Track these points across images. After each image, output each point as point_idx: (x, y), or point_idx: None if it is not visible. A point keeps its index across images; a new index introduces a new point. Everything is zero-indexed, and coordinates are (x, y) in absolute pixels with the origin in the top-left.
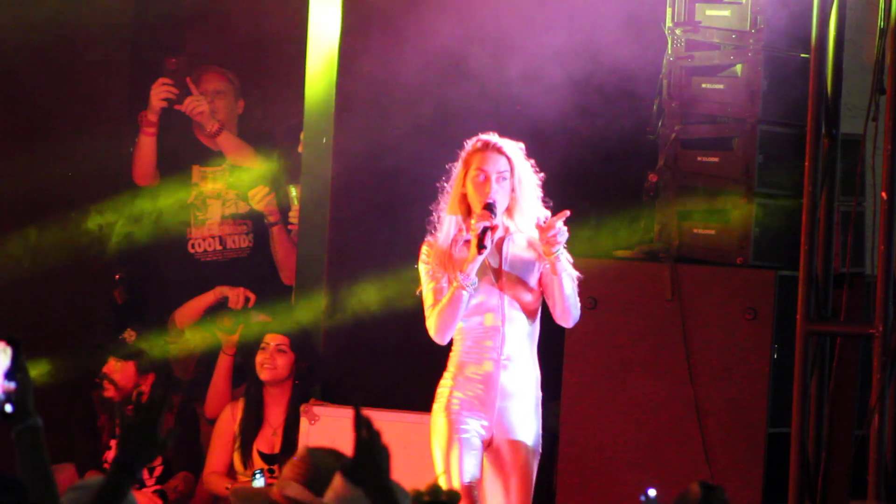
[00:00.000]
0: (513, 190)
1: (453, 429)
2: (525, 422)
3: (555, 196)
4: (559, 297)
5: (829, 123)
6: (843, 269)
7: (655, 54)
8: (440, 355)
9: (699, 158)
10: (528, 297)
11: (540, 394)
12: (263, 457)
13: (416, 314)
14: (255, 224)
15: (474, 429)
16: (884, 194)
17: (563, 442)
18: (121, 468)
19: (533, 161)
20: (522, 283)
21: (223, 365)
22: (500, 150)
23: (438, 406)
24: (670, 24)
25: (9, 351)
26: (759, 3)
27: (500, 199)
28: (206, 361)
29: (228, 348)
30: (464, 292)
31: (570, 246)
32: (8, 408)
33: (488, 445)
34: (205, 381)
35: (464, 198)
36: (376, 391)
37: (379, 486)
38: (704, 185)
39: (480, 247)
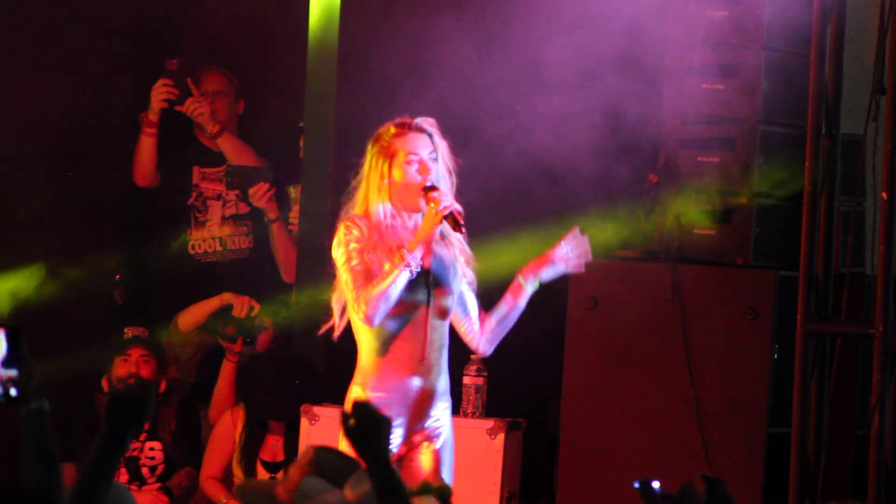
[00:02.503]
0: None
1: None
2: (442, 431)
3: (555, 195)
4: (510, 317)
5: (829, 123)
6: (843, 269)
7: (656, 54)
8: None
9: (699, 158)
10: (449, 301)
11: (451, 402)
12: (266, 465)
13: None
14: (256, 225)
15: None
16: (884, 194)
17: (563, 442)
18: (111, 438)
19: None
20: (446, 283)
21: (227, 371)
22: (424, 131)
23: None
24: (670, 24)
25: (3, 338)
26: (759, 3)
27: (438, 183)
28: (208, 365)
29: (232, 355)
30: (406, 271)
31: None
32: (13, 391)
33: (401, 454)
34: (206, 383)
35: (388, 188)
36: None
37: (380, 459)
38: (704, 185)
39: (458, 226)
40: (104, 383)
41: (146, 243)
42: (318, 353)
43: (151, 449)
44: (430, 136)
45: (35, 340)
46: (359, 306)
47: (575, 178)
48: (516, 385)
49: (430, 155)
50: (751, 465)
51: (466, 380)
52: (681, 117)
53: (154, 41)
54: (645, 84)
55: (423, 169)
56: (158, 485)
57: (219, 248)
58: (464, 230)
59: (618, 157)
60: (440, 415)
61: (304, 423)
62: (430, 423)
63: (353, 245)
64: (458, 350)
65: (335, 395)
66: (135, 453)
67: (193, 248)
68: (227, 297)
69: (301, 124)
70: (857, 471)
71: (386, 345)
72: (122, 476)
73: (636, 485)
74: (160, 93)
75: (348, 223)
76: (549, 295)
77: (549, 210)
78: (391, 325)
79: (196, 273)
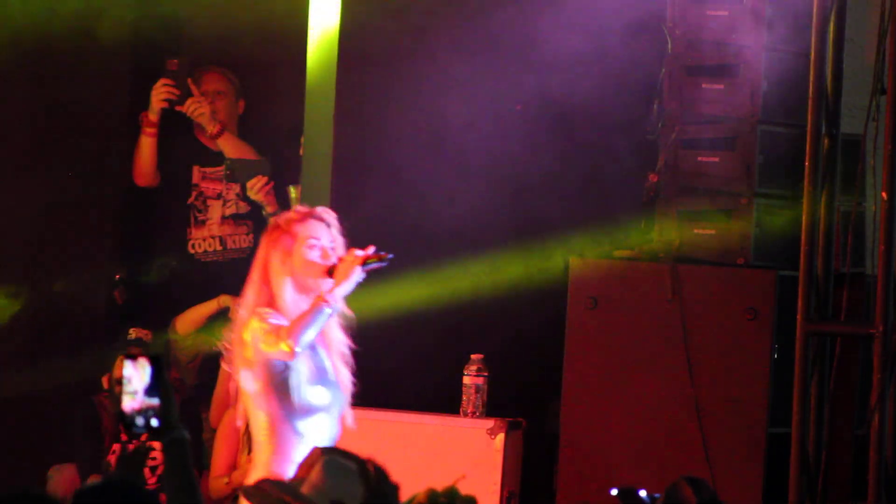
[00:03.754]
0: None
1: None
2: None
3: (555, 196)
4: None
5: (829, 123)
6: (843, 269)
7: (655, 54)
8: (441, 355)
9: (699, 158)
10: None
11: None
12: None
13: (417, 314)
14: (256, 224)
15: None
16: (884, 194)
17: (563, 442)
18: (174, 440)
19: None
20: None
21: (227, 375)
22: (321, 219)
23: None
24: (670, 24)
25: (148, 367)
26: (759, 3)
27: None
28: (209, 367)
29: None
30: (326, 309)
31: (571, 246)
32: (154, 422)
33: None
34: (208, 383)
35: (288, 270)
36: (376, 391)
37: None
38: (704, 185)
39: (381, 257)
40: (104, 381)
41: (146, 243)
42: None
43: (153, 449)
44: (329, 226)
45: (35, 340)
46: (282, 339)
47: (575, 178)
48: (516, 385)
49: (330, 244)
50: (751, 465)
51: (466, 380)
52: (681, 117)
53: (154, 41)
54: (645, 83)
55: (325, 254)
56: (159, 485)
57: (219, 248)
58: (389, 257)
59: (618, 157)
60: None
61: None
62: None
63: (269, 317)
64: (459, 350)
65: None
66: None
67: (193, 247)
68: (224, 300)
69: (301, 143)
70: (857, 471)
71: (295, 444)
72: None
73: (614, 492)
74: (160, 93)
75: (261, 313)
76: (549, 295)
77: (551, 209)
78: (305, 421)
79: (196, 272)
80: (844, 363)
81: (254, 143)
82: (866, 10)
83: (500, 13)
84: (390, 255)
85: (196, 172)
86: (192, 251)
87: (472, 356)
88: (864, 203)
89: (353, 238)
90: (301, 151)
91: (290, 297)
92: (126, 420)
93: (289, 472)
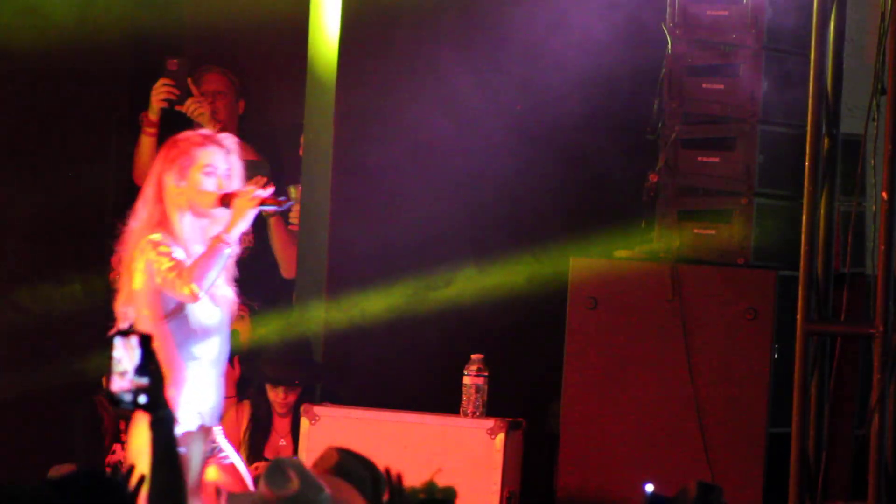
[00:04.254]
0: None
1: None
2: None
3: (555, 196)
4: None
5: (829, 123)
6: (843, 269)
7: (656, 54)
8: (441, 355)
9: (699, 158)
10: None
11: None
12: None
13: (417, 314)
14: (256, 225)
15: None
16: (884, 194)
17: (563, 441)
18: (160, 419)
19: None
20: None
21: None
22: (222, 144)
23: None
24: (670, 24)
25: (139, 347)
26: (759, 3)
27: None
28: None
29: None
30: (226, 249)
31: (570, 246)
32: (142, 398)
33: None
34: None
35: (182, 191)
36: (376, 391)
37: None
38: (704, 185)
39: (278, 200)
40: (105, 382)
41: None
42: (319, 353)
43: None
44: (229, 153)
45: (36, 340)
46: (185, 282)
47: (575, 178)
48: (516, 385)
49: (226, 172)
50: (751, 465)
51: (466, 380)
52: (681, 117)
53: (154, 41)
54: (645, 83)
55: (220, 183)
56: None
57: None
58: (286, 201)
59: (618, 157)
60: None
61: (304, 423)
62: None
63: (164, 248)
64: (458, 350)
65: (335, 395)
66: None
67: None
68: None
69: (301, 143)
70: (857, 471)
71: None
72: None
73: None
74: (160, 92)
75: (155, 237)
76: (549, 295)
77: (551, 209)
78: (200, 345)
79: None
80: (844, 363)
81: (254, 143)
82: (866, 10)
83: (501, 14)
84: (289, 202)
85: None
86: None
87: (472, 356)
88: (864, 203)
89: (354, 238)
90: (301, 151)
91: (185, 221)
92: (114, 398)
93: (181, 394)
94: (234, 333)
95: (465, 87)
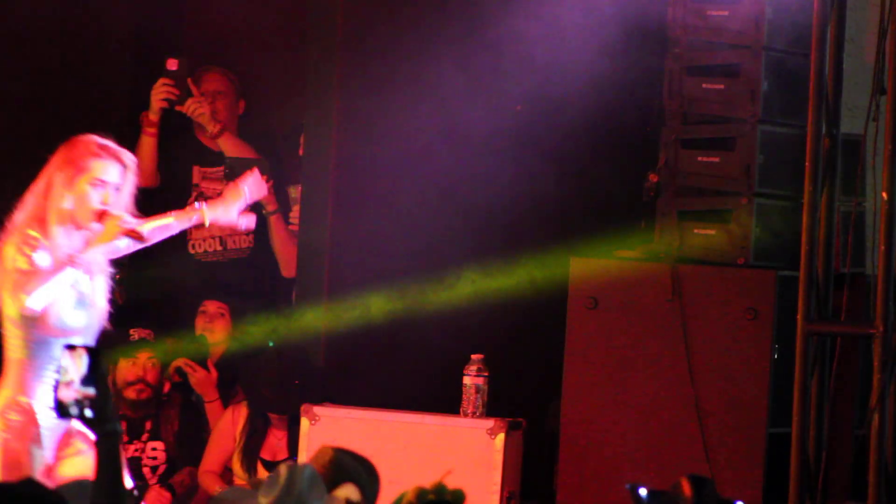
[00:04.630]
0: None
1: None
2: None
3: (555, 195)
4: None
5: (829, 123)
6: (843, 269)
7: (656, 54)
8: (441, 356)
9: (699, 158)
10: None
11: None
12: (266, 464)
13: (417, 314)
14: (256, 225)
15: None
16: (884, 194)
17: (563, 442)
18: (106, 433)
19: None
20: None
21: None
22: (119, 159)
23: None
24: (670, 24)
25: (85, 357)
26: (760, 3)
27: (127, 217)
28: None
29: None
30: (69, 268)
31: (571, 246)
32: (88, 412)
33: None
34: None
35: (67, 197)
36: (376, 391)
37: None
38: (704, 185)
39: (139, 235)
40: (140, 386)
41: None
42: (319, 353)
43: (154, 449)
44: (126, 168)
45: None
46: (20, 289)
47: (575, 178)
48: (516, 385)
49: (115, 186)
50: (751, 465)
51: (466, 380)
52: (681, 117)
53: (154, 41)
54: (645, 83)
55: (105, 198)
56: (159, 486)
57: (219, 248)
58: (145, 238)
59: (618, 157)
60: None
61: (304, 422)
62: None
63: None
64: (458, 350)
65: (335, 395)
66: (137, 453)
67: (194, 247)
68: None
69: (301, 143)
70: (857, 471)
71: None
72: None
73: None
74: (160, 92)
75: (26, 240)
76: (549, 295)
77: (552, 209)
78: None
79: (196, 273)
80: (844, 363)
81: (254, 144)
82: (866, 10)
83: (501, 16)
84: (148, 240)
85: (196, 173)
86: (192, 251)
87: (472, 356)
88: (864, 203)
89: (354, 239)
90: (301, 151)
91: (60, 229)
92: (61, 407)
93: (38, 391)
94: (200, 338)
95: (465, 88)
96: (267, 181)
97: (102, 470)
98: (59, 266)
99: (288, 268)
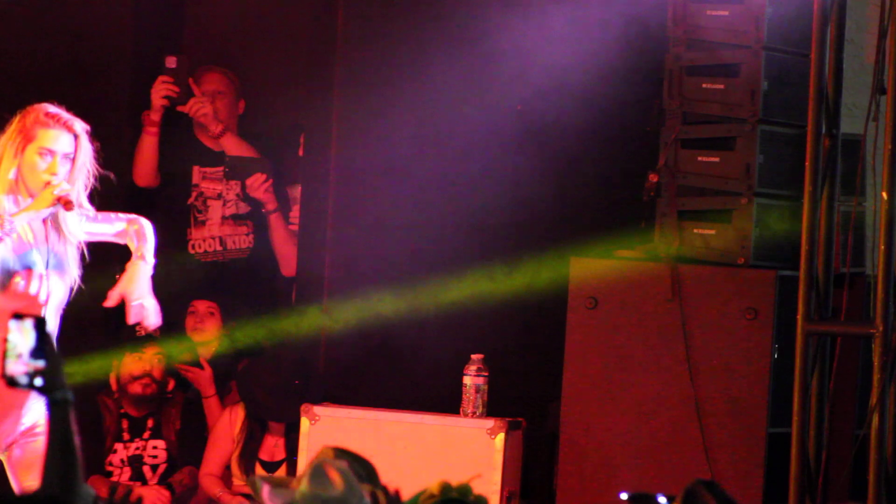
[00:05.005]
0: (69, 175)
1: None
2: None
3: (555, 195)
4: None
5: (829, 123)
6: (843, 269)
7: (656, 54)
8: (441, 356)
9: (699, 158)
10: (61, 297)
11: None
12: (265, 465)
13: (417, 314)
14: (256, 225)
15: None
16: (884, 194)
17: (563, 442)
18: (56, 401)
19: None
20: (62, 278)
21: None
22: (69, 128)
23: None
24: (670, 24)
25: (33, 330)
26: (759, 3)
27: (63, 182)
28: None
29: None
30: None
31: (571, 246)
32: (38, 381)
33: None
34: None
35: (17, 173)
36: (376, 391)
37: None
38: (704, 185)
39: (69, 205)
40: (112, 381)
41: None
42: (319, 353)
43: (155, 448)
44: (77, 137)
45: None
46: None
47: (575, 178)
48: (516, 385)
49: (64, 155)
50: (751, 465)
51: (466, 380)
52: (681, 117)
53: (154, 41)
54: (645, 83)
55: (53, 166)
56: (159, 485)
57: (219, 248)
58: (75, 209)
59: (618, 157)
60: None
61: (304, 422)
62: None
63: None
64: (458, 349)
65: (335, 394)
66: (138, 451)
67: (194, 247)
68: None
69: (301, 143)
70: (857, 471)
71: None
72: (125, 474)
73: (624, 496)
74: (160, 90)
75: None
76: (549, 295)
77: (551, 209)
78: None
79: (196, 273)
80: (844, 363)
81: (254, 144)
82: (866, 10)
83: (500, 14)
84: (77, 205)
85: (196, 172)
86: (192, 251)
87: (472, 356)
88: (864, 203)
89: (355, 239)
90: (301, 151)
91: (7, 198)
92: (10, 380)
93: None
94: (187, 340)
95: (464, 88)
96: (266, 180)
97: (54, 439)
98: None
99: (288, 266)
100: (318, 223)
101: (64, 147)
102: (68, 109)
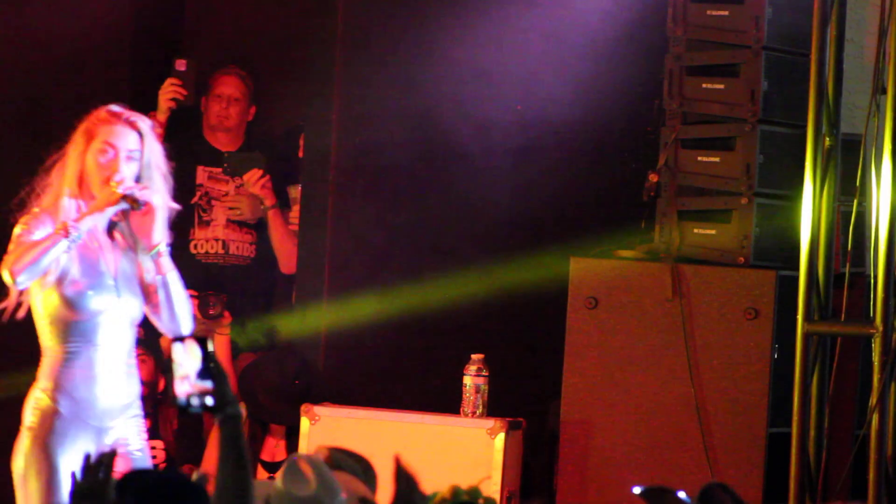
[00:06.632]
0: (139, 174)
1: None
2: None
3: (555, 195)
4: (168, 300)
5: (830, 123)
6: (843, 269)
7: (656, 54)
8: (441, 355)
9: (699, 158)
10: (135, 308)
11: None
12: (266, 465)
13: (417, 313)
14: (260, 235)
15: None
16: (885, 194)
17: (563, 442)
18: (227, 416)
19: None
20: (131, 291)
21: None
22: (132, 125)
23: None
24: (670, 24)
25: (198, 349)
26: (759, 3)
27: (130, 182)
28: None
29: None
30: (64, 240)
31: (571, 246)
32: (209, 401)
33: None
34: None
35: (81, 176)
36: (376, 391)
37: None
38: (704, 185)
39: (136, 203)
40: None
41: None
42: (319, 353)
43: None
44: (141, 135)
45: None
46: (4, 265)
47: (575, 178)
48: (516, 385)
49: (128, 153)
50: (751, 465)
51: (466, 380)
52: (681, 117)
53: (154, 41)
54: (645, 83)
55: (115, 163)
56: None
57: (220, 251)
58: (143, 208)
59: (618, 157)
60: (125, 426)
61: (304, 422)
62: (114, 434)
63: (22, 227)
64: (459, 350)
65: (335, 395)
66: None
67: (195, 247)
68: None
69: (301, 143)
70: (857, 471)
71: (73, 351)
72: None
73: (637, 490)
74: (168, 92)
75: (31, 217)
76: (549, 295)
77: (551, 209)
78: (76, 331)
79: (196, 273)
80: (844, 363)
81: (254, 143)
82: (866, 10)
83: (500, 13)
84: (143, 203)
85: (200, 172)
86: (193, 251)
87: (472, 356)
88: (864, 203)
89: (354, 238)
90: (301, 151)
91: (66, 200)
92: (180, 404)
93: (64, 378)
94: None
95: (464, 88)
96: (262, 175)
97: (226, 452)
98: (48, 237)
99: (287, 264)
100: (318, 223)
101: (128, 144)
102: (69, 109)
